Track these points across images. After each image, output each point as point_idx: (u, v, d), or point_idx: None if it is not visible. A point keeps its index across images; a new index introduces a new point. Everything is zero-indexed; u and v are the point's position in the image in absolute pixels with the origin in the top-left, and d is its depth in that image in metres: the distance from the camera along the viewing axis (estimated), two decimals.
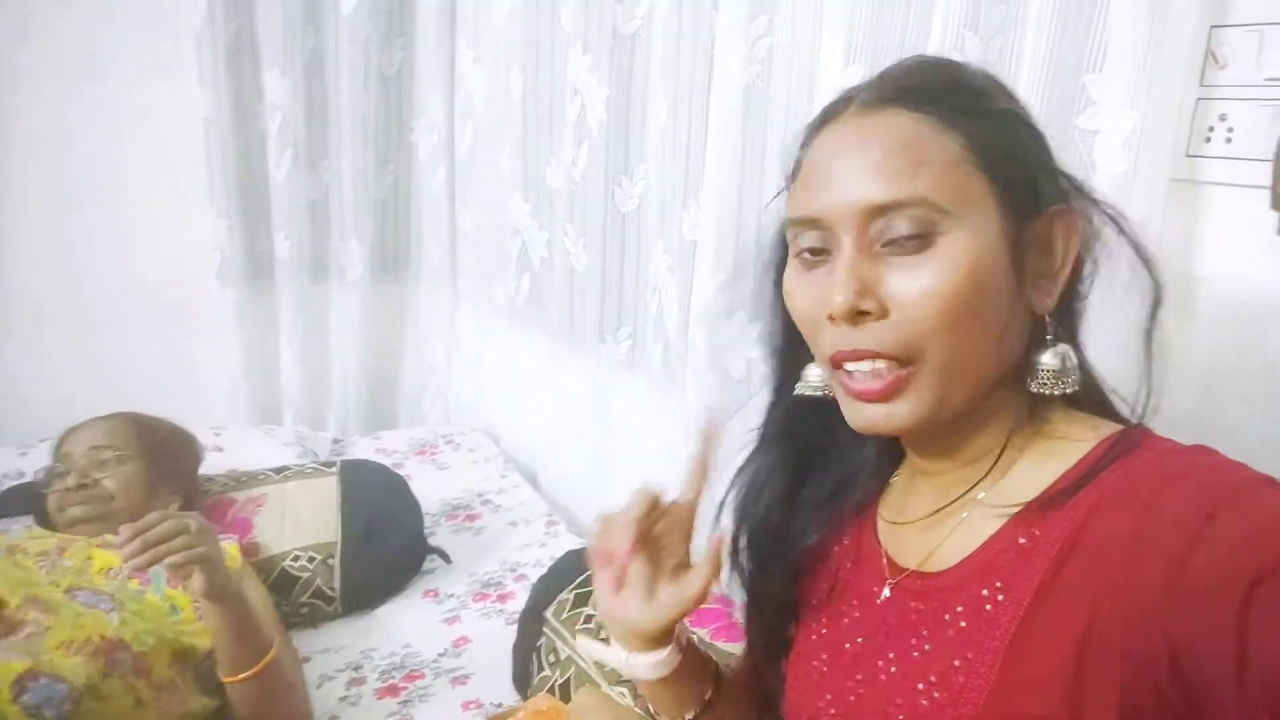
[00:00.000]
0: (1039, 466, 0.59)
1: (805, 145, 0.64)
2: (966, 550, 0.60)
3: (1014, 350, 0.59)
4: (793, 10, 1.25)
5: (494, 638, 1.43)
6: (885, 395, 0.58)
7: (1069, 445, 0.58)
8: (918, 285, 0.56)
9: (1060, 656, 0.52)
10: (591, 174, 1.69)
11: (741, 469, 0.75)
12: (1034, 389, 0.59)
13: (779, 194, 0.68)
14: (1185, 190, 0.89)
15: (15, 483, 1.63)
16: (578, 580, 1.28)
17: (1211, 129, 0.87)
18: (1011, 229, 0.57)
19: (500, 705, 1.28)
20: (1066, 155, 0.91)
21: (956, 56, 0.95)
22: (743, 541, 0.74)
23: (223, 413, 2.14)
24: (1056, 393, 0.59)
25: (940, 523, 0.63)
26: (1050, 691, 0.52)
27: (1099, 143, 0.90)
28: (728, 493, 0.75)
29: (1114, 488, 0.54)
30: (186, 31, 1.99)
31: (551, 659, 1.22)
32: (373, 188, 2.27)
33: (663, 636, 0.71)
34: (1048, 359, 0.59)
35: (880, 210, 0.56)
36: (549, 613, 1.26)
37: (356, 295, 2.29)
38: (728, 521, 0.75)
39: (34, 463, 1.71)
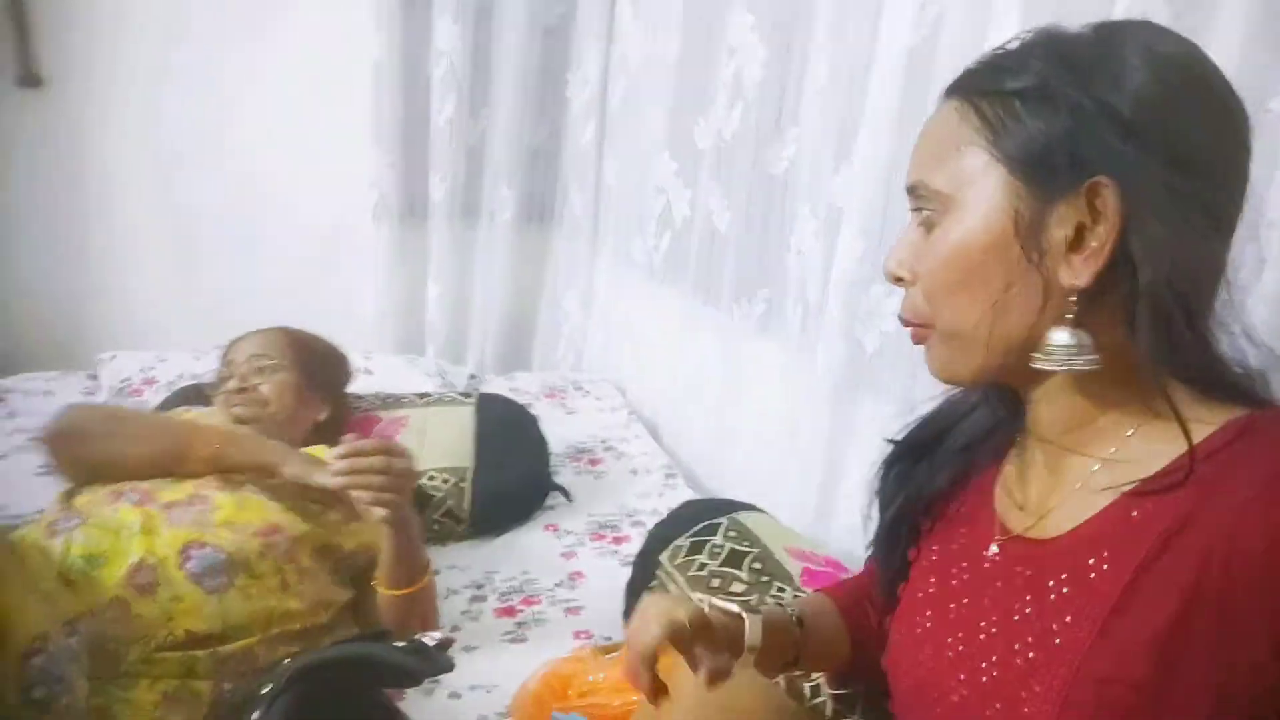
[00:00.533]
0: (1159, 444, 0.58)
1: None
2: (1078, 520, 0.61)
3: (1043, 322, 0.59)
4: None
5: (608, 576, 1.49)
6: (920, 340, 0.67)
7: (1194, 425, 0.57)
8: (925, 260, 0.64)
9: (1159, 625, 0.53)
10: (742, 134, 1.70)
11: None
12: (1035, 364, 0.60)
13: None
14: None
15: (189, 382, 1.80)
16: (694, 529, 1.31)
17: None
18: (1028, 207, 0.59)
19: (609, 639, 1.34)
20: (1257, 140, 0.87)
21: None
22: (881, 484, 0.79)
23: (370, 342, 2.28)
24: (1048, 368, 0.59)
25: (1053, 490, 0.65)
26: (1145, 658, 0.53)
27: None
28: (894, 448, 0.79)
29: (1232, 466, 0.54)
30: None
31: None
32: (527, 137, 2.34)
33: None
34: (1056, 335, 0.59)
35: (909, 190, 0.66)
36: (664, 556, 1.30)
37: (502, 240, 2.38)
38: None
39: (205, 365, 1.88)
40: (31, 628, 0.91)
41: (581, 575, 1.52)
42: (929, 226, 0.64)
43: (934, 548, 0.74)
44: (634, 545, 1.49)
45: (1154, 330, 0.57)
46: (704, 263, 1.87)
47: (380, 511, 1.14)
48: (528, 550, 1.58)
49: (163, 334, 2.13)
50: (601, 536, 1.64)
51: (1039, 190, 0.58)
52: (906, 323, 0.67)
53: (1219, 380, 0.60)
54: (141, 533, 1.12)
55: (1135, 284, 0.56)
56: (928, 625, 0.71)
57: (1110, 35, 0.60)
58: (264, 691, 0.94)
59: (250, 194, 2.23)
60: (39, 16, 1.97)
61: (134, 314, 2.21)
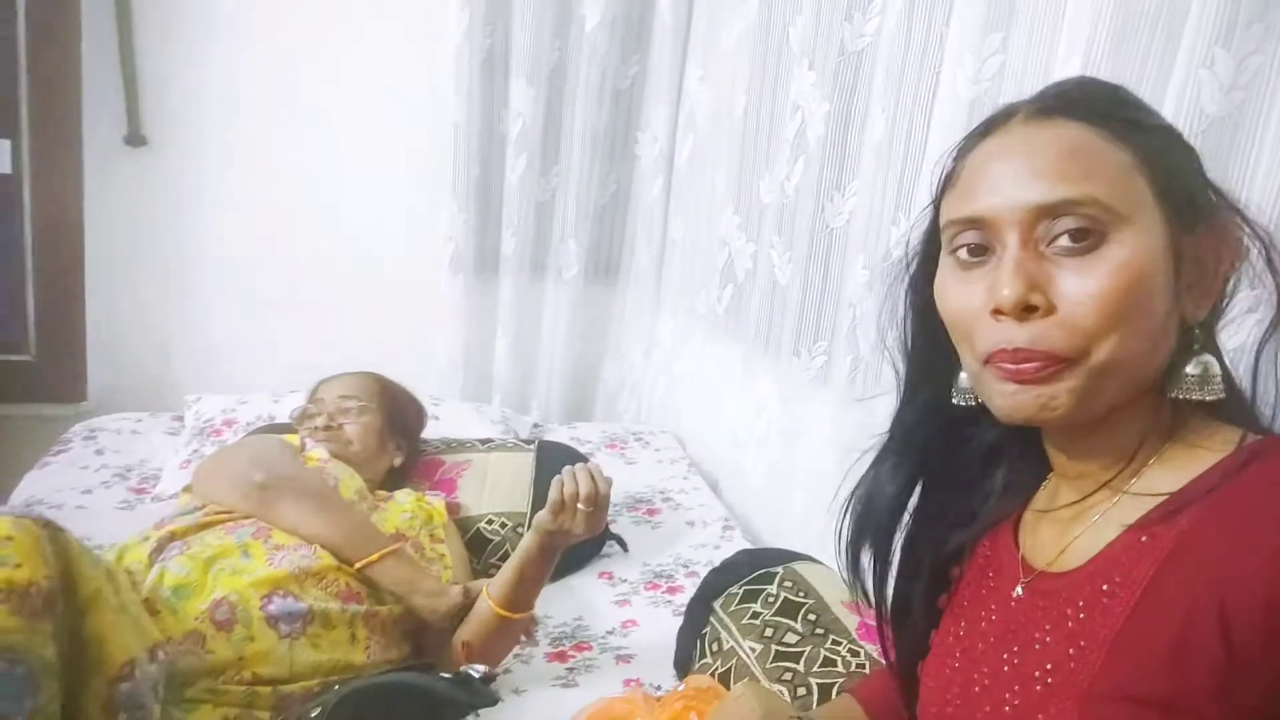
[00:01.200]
0: (1173, 473, 0.60)
1: (965, 153, 0.66)
2: (1093, 550, 0.63)
3: (1164, 357, 0.61)
4: (1030, 27, 1.22)
5: (660, 625, 1.47)
6: (1042, 379, 0.59)
7: (1204, 453, 0.59)
8: (1087, 284, 0.58)
9: (1165, 640, 0.54)
10: (804, 188, 1.72)
11: (863, 477, 0.78)
12: (1174, 394, 0.61)
13: (928, 205, 0.71)
14: None
15: (266, 423, 1.87)
16: (749, 577, 1.30)
17: None
18: (1173, 240, 0.60)
19: (659, 688, 1.32)
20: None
21: (1204, 74, 0.92)
22: (866, 553, 0.77)
23: (439, 389, 2.34)
24: (1195, 398, 0.60)
25: (1073, 525, 0.66)
26: (1153, 672, 0.54)
27: None
28: (849, 500, 0.78)
29: (1236, 489, 0.56)
30: (448, 42, 2.21)
31: (715, 648, 1.25)
32: (595, 194, 2.41)
33: None
34: (1192, 368, 0.61)
35: (1051, 210, 0.59)
36: (717, 604, 1.29)
37: (569, 294, 2.44)
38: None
39: (284, 408, 1.96)
40: (123, 654, 0.93)
41: (634, 623, 1.51)
42: (1077, 250, 0.58)
43: (965, 594, 0.75)
44: (688, 595, 1.47)
45: (1215, 358, 0.61)
46: (764, 315, 1.88)
47: (578, 530, 1.22)
48: (581, 597, 1.58)
49: (247, 378, 2.23)
50: (656, 586, 1.63)
51: (1181, 223, 0.60)
52: (1032, 357, 0.59)
53: (1231, 407, 0.62)
54: (232, 571, 1.16)
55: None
56: (956, 665, 0.71)
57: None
58: (314, 715, 0.96)
59: (336, 248, 2.34)
60: (147, 79, 2.13)
61: (221, 360, 2.32)
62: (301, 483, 1.31)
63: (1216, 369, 0.61)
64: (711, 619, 1.27)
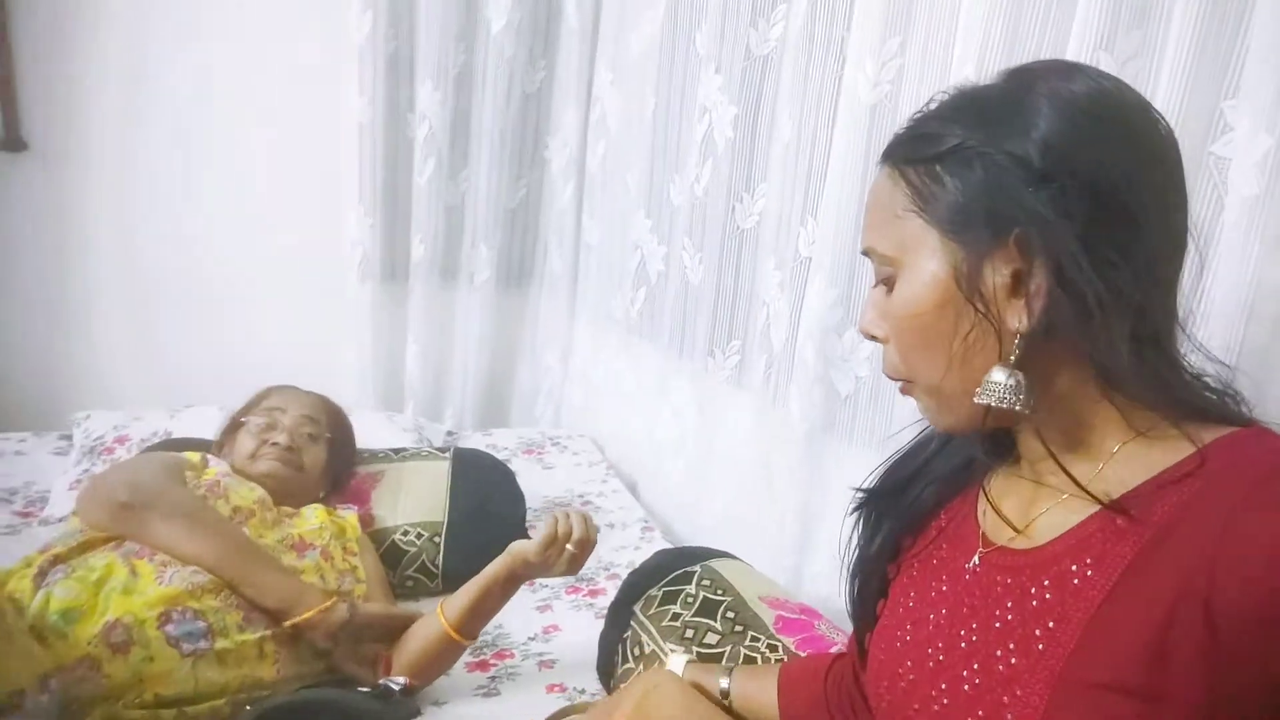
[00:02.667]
0: (1145, 459, 0.60)
1: None
2: (1061, 529, 0.62)
3: (993, 368, 0.62)
4: (927, 32, 1.27)
5: (583, 629, 1.46)
6: (911, 394, 0.69)
7: (1176, 442, 0.58)
8: (887, 321, 0.67)
9: (1145, 627, 0.53)
10: (715, 190, 1.74)
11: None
12: (981, 400, 0.62)
13: None
14: None
15: (162, 439, 1.79)
16: (667, 578, 1.30)
17: None
18: (965, 262, 0.61)
19: (583, 691, 1.32)
20: (1199, 182, 0.90)
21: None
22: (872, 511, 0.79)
23: (349, 398, 2.27)
24: (1006, 407, 0.61)
25: (1038, 502, 0.66)
26: (1130, 661, 0.53)
27: (1233, 168, 0.88)
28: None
29: (1220, 476, 0.55)
30: (350, 44, 2.16)
31: (636, 652, 1.24)
32: (505, 198, 2.39)
33: None
34: (995, 375, 0.61)
35: (864, 254, 0.69)
36: (637, 607, 1.29)
37: (481, 299, 2.41)
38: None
39: (182, 424, 1.87)
40: (10, 685, 0.88)
41: (556, 628, 1.49)
42: (889, 286, 0.67)
43: (914, 564, 0.75)
44: (610, 598, 1.46)
45: (1102, 362, 0.59)
46: (678, 317, 1.89)
47: (559, 570, 1.25)
48: None
49: (140, 393, 2.13)
50: (577, 590, 1.62)
51: (971, 247, 0.61)
52: (892, 378, 0.70)
53: (1193, 402, 0.61)
54: (123, 591, 1.10)
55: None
56: (907, 639, 0.71)
57: (1020, 84, 0.62)
58: None
59: (236, 255, 2.26)
60: (24, 83, 2.01)
61: (112, 375, 2.21)
62: (170, 502, 1.24)
63: (1023, 380, 0.60)
64: (633, 623, 1.27)
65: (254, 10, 2.16)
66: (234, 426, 1.51)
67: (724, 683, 0.95)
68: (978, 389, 0.62)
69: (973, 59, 1.14)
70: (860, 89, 1.34)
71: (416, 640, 1.25)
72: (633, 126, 2.08)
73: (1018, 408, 0.61)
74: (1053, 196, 0.58)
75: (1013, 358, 0.61)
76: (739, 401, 1.71)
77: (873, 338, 0.69)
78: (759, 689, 0.94)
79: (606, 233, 2.25)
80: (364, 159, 2.23)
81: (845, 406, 1.45)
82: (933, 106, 0.66)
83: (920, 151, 0.64)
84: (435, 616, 1.24)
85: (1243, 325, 0.86)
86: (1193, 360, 0.64)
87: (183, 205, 2.21)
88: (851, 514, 0.79)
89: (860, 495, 0.79)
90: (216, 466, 1.39)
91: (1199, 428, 0.59)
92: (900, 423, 1.27)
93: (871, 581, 0.78)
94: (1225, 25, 0.89)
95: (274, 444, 1.43)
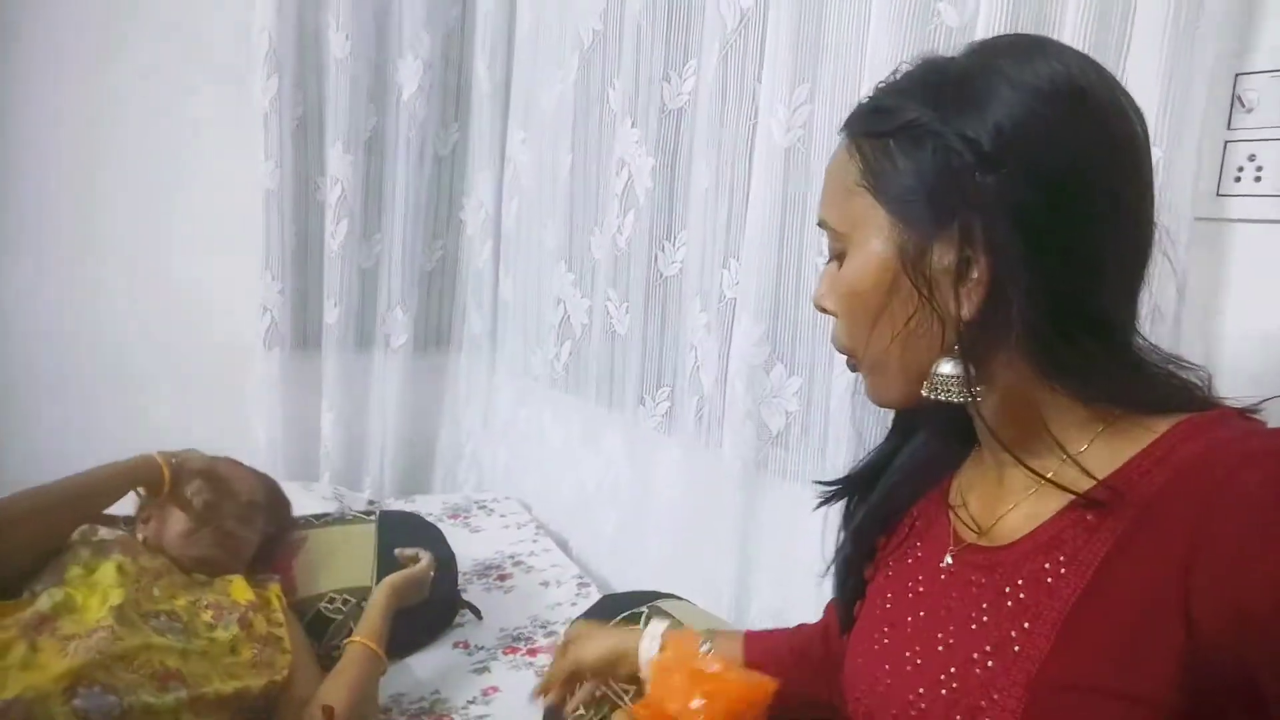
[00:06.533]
0: (1110, 449, 0.58)
1: None
2: (1031, 525, 0.60)
3: (938, 354, 0.61)
4: (833, 79, 1.33)
5: (523, 688, 1.39)
6: (855, 369, 0.68)
7: (1142, 431, 0.57)
8: (834, 296, 0.67)
9: (1120, 627, 0.52)
10: (636, 240, 1.76)
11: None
12: (930, 395, 0.61)
13: None
14: (1215, 228, 0.92)
15: None
16: (613, 621, 1.27)
17: (1241, 169, 0.91)
18: (911, 243, 0.60)
19: None
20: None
21: None
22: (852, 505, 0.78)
23: (261, 469, 2.17)
24: (951, 399, 0.60)
25: (1005, 498, 0.64)
26: (1107, 660, 0.52)
27: None
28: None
29: (1189, 466, 0.53)
30: (255, 109, 2.13)
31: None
32: (421, 260, 2.37)
33: None
34: (942, 367, 0.61)
35: (819, 226, 0.68)
36: None
37: (399, 363, 2.36)
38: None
39: None
40: None
41: (496, 689, 1.43)
42: (839, 260, 0.66)
43: (889, 564, 0.73)
44: (549, 656, 1.42)
45: (1038, 354, 0.58)
46: (605, 367, 1.89)
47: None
48: (437, 669, 1.49)
49: (36, 466, 1.97)
50: (515, 650, 1.56)
51: (917, 228, 0.59)
52: (839, 351, 0.69)
53: (1152, 393, 0.59)
54: (22, 667, 1.01)
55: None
56: (885, 642, 0.69)
57: (980, 61, 0.60)
58: None
59: (139, 323, 2.17)
60: None
61: (8, 451, 2.05)
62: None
63: (972, 372, 0.59)
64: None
65: (154, 76, 2.11)
66: (167, 497, 1.37)
67: (705, 648, 0.93)
68: (920, 371, 0.62)
69: None
70: (774, 134, 1.40)
71: (344, 674, 1.25)
72: (547, 183, 2.10)
73: (964, 399, 0.60)
74: (1000, 183, 0.56)
75: (956, 347, 0.59)
76: (671, 447, 1.71)
77: (823, 310, 0.69)
78: (731, 646, 0.96)
79: (524, 289, 2.24)
80: (271, 224, 2.19)
81: (777, 444, 1.47)
82: (897, 77, 0.64)
83: (876, 125, 0.63)
84: (350, 645, 1.29)
85: None
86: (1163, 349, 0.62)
87: (83, 272, 2.11)
88: (817, 508, 0.79)
89: (828, 488, 0.78)
90: (111, 534, 1.31)
91: (1160, 418, 0.57)
92: (832, 457, 1.30)
93: (847, 583, 0.77)
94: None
95: (215, 528, 1.35)
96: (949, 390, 0.60)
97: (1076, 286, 0.57)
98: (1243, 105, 0.90)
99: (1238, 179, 0.91)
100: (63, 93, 2.04)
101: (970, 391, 0.59)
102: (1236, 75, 0.90)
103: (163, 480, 1.35)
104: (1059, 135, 0.56)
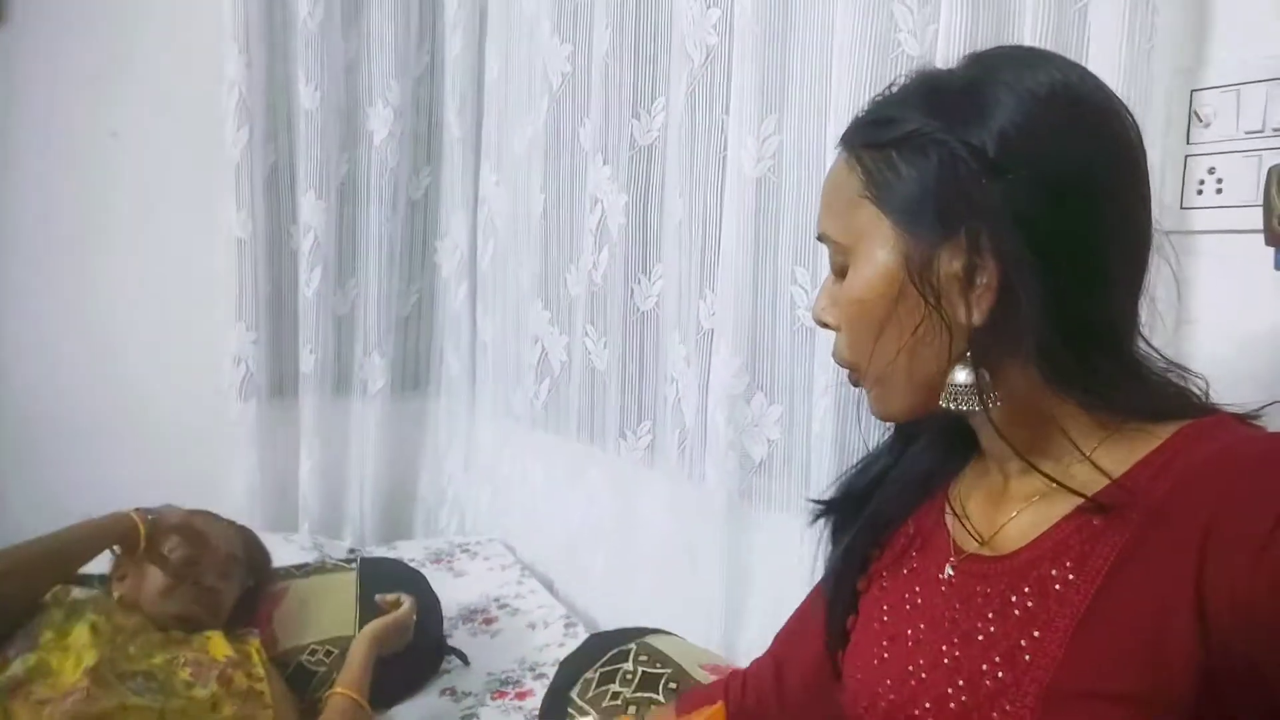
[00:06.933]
0: (1113, 455, 0.58)
1: None
2: (1035, 532, 0.60)
3: (945, 362, 0.60)
4: (800, 109, 1.36)
5: None
6: (857, 384, 0.68)
7: (1145, 437, 0.57)
8: (838, 308, 0.67)
9: (1134, 631, 0.51)
10: (612, 276, 1.77)
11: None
12: (945, 404, 0.61)
13: None
14: (1181, 241, 0.94)
15: None
16: (602, 659, 1.25)
17: (1202, 182, 0.93)
18: (917, 253, 0.60)
19: None
20: None
21: None
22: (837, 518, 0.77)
23: (238, 520, 2.14)
24: (970, 409, 0.59)
25: (1006, 506, 0.64)
26: (1121, 665, 0.51)
27: None
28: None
29: (1197, 469, 0.53)
30: (226, 158, 2.13)
31: None
32: (397, 305, 2.36)
33: None
34: (956, 375, 0.60)
35: (820, 239, 0.68)
36: (574, 692, 1.23)
37: (377, 409, 2.33)
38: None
39: None
40: None
41: None
42: (841, 273, 0.66)
43: (884, 576, 0.72)
44: (538, 699, 1.39)
45: (1045, 360, 0.58)
46: (585, 404, 1.88)
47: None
48: (425, 718, 1.45)
49: (11, 525, 1.94)
50: (503, 694, 1.53)
51: (923, 237, 0.59)
52: (841, 365, 0.68)
53: (1155, 400, 0.60)
54: None
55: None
56: (885, 656, 0.68)
57: (981, 71, 0.61)
58: None
59: (113, 379, 2.14)
60: None
61: None
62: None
63: (987, 379, 0.58)
64: (570, 709, 1.21)
65: (127, 122, 2.11)
66: (143, 554, 1.33)
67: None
68: (926, 382, 0.62)
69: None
70: (745, 165, 1.41)
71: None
72: (521, 223, 2.11)
73: (979, 407, 0.59)
74: (1006, 190, 0.56)
75: (968, 354, 0.59)
76: (654, 480, 1.70)
77: (824, 324, 0.68)
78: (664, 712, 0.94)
79: (501, 330, 2.24)
80: (244, 273, 2.17)
81: (760, 473, 1.46)
82: (894, 90, 0.64)
83: (876, 136, 0.62)
84: (332, 697, 1.28)
85: None
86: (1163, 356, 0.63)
87: (50, 331, 2.08)
88: (812, 523, 0.78)
89: (817, 506, 0.78)
90: (84, 594, 1.27)
91: (1162, 424, 0.57)
92: (816, 483, 1.29)
93: (839, 597, 0.75)
94: None
95: (194, 583, 1.32)
96: (964, 399, 0.60)
97: (1082, 291, 0.58)
98: (1200, 120, 0.93)
99: (1199, 191, 0.93)
100: (29, 149, 2.04)
101: (984, 399, 0.59)
102: (1192, 91, 0.93)
103: (138, 537, 1.32)
104: (1062, 140, 0.57)
